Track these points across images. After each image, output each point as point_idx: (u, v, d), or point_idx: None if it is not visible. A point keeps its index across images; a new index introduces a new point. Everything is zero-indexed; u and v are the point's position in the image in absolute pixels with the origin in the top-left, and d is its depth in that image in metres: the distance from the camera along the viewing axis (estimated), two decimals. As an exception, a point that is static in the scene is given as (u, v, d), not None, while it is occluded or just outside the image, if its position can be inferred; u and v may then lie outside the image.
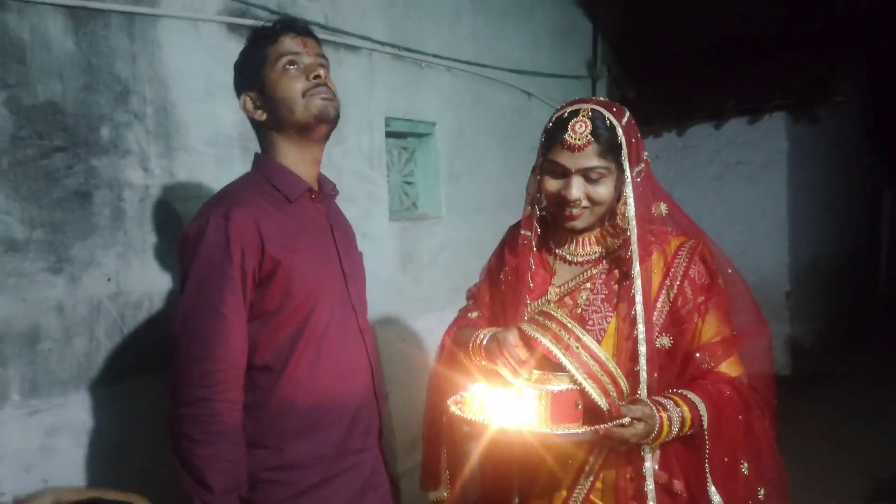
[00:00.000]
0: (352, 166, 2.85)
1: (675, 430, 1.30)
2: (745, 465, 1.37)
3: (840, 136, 6.66)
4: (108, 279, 1.95)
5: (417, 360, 3.17)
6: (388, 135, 3.10)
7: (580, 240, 1.50)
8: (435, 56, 3.28)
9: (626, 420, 1.23)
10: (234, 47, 1.52)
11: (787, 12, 6.91)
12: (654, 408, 1.28)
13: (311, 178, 1.53)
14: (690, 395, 1.33)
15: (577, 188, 1.37)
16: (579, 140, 1.34)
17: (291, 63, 1.45)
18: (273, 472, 1.43)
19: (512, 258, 1.56)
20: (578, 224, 1.44)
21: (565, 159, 1.37)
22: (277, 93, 1.45)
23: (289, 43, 1.46)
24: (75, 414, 1.87)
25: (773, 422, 1.45)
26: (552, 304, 1.46)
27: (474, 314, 1.65)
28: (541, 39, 4.14)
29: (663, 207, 1.46)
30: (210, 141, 2.24)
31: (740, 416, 1.36)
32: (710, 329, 1.40)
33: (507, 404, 1.32)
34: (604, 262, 1.47)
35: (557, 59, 4.31)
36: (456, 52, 3.42)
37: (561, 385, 1.28)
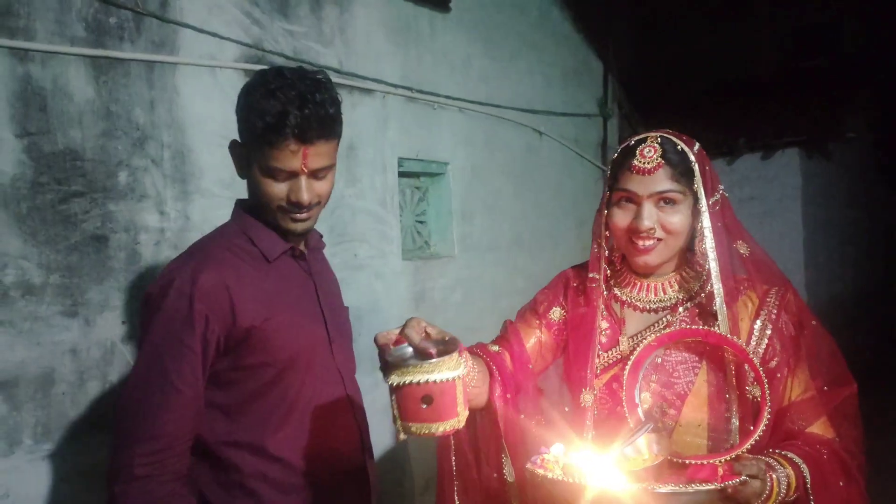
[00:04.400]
0: (365, 207, 2.87)
1: (783, 492, 1.14)
2: None
3: (854, 172, 6.64)
4: (123, 322, 1.96)
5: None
6: (401, 175, 3.13)
7: (654, 285, 1.36)
8: (447, 97, 3.33)
9: (744, 477, 1.09)
10: (251, 93, 1.51)
11: (794, 49, 6.99)
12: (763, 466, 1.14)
13: None
14: (791, 454, 1.19)
15: (648, 217, 1.26)
16: (649, 164, 1.26)
17: (280, 175, 1.31)
18: None
19: (579, 304, 1.41)
20: (652, 259, 1.30)
21: (635, 185, 1.27)
22: (258, 187, 1.34)
23: (288, 154, 1.28)
24: (88, 458, 1.85)
25: (866, 488, 1.28)
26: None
27: (495, 348, 1.44)
28: (552, 79, 4.19)
29: (744, 248, 1.34)
30: (226, 184, 2.26)
31: (841, 483, 1.22)
32: (799, 385, 1.28)
33: (593, 464, 1.17)
34: (682, 308, 1.33)
35: (569, 97, 4.35)
36: (468, 93, 3.46)
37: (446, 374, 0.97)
